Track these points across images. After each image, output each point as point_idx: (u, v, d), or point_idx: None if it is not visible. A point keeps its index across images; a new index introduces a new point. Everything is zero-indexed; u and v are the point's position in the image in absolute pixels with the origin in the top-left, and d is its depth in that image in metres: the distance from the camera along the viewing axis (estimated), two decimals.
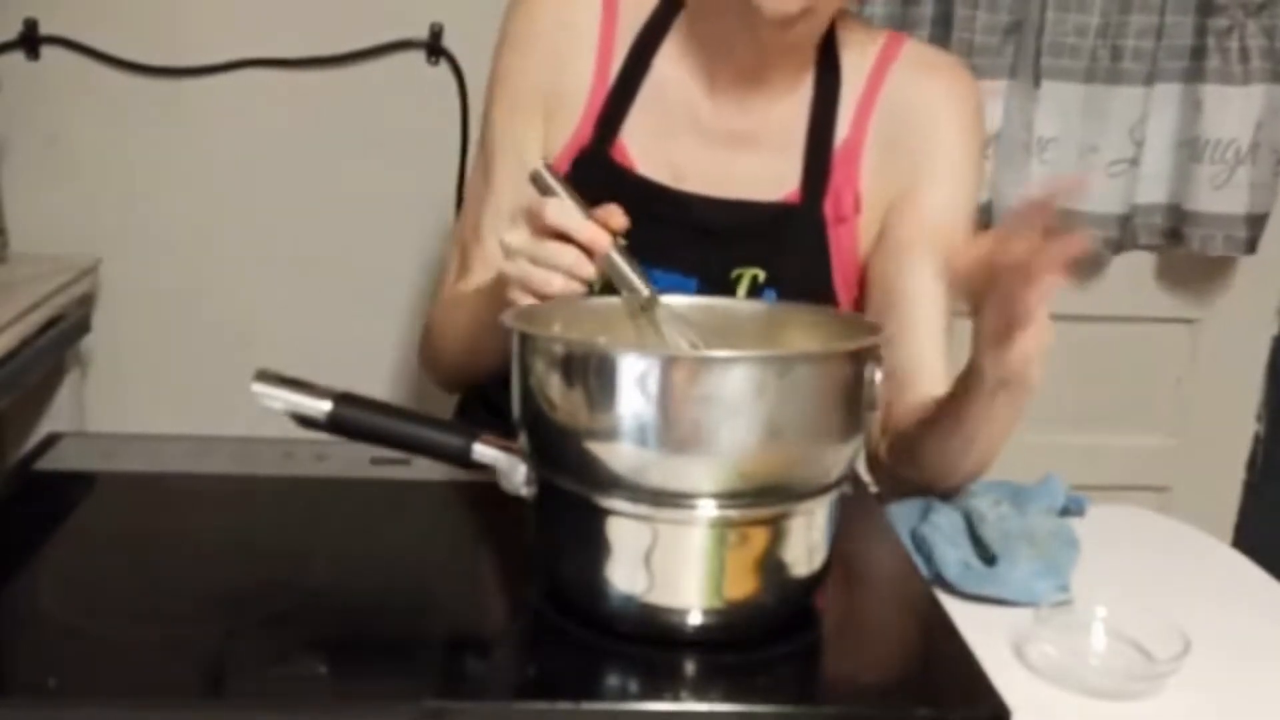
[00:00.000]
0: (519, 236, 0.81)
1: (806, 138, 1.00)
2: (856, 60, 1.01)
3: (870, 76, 1.01)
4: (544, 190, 0.81)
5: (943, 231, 0.98)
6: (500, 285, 0.84)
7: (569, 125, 1.01)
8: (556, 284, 0.79)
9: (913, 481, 0.94)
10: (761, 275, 0.98)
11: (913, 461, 0.94)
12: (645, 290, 0.79)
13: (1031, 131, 1.60)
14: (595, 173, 0.99)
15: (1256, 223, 1.64)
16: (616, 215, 0.80)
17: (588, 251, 0.79)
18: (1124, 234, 1.64)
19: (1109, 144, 1.60)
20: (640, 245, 0.99)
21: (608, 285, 0.81)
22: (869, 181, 1.01)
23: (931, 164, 1.00)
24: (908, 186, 1.00)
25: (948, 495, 0.91)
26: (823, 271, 1.01)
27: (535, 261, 0.79)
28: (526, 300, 0.80)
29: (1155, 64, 1.57)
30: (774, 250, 0.99)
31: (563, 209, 0.79)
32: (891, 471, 0.98)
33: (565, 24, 1.02)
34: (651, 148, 1.00)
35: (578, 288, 0.80)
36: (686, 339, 0.79)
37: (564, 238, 0.79)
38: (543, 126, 1.02)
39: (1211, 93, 1.59)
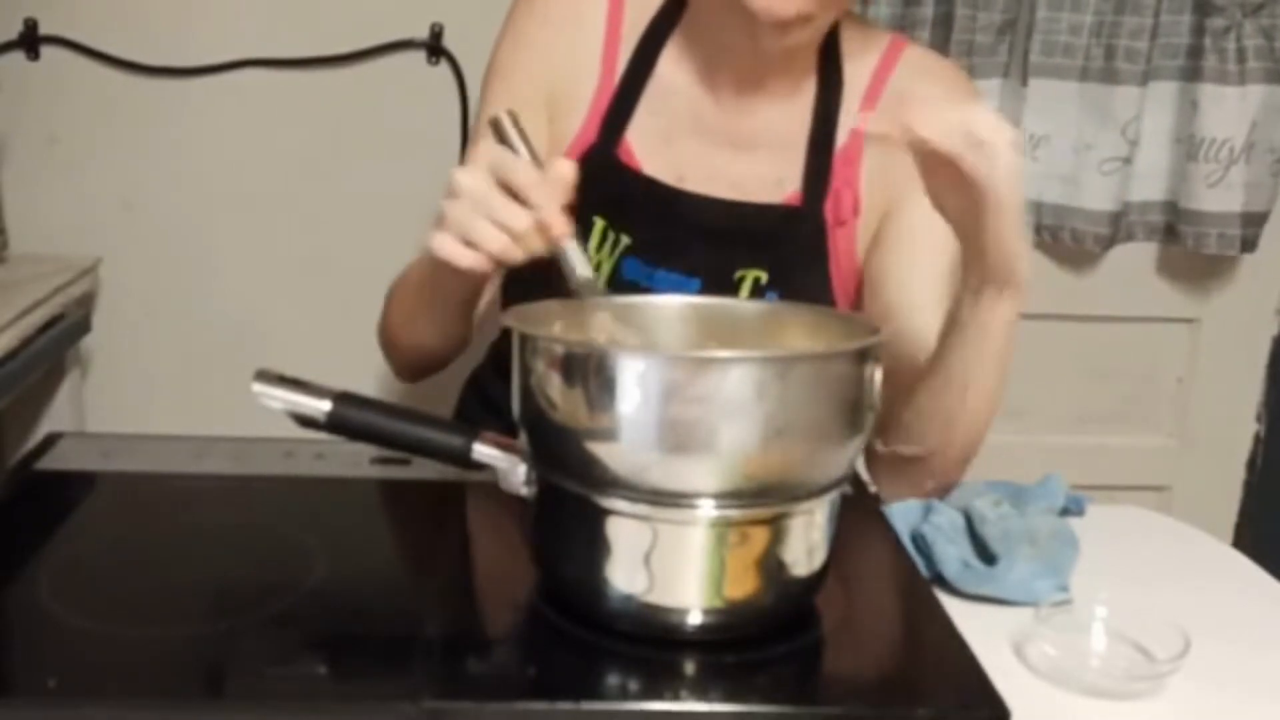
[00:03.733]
0: (474, 179, 0.74)
1: (808, 140, 1.00)
2: (859, 63, 1.02)
3: (871, 81, 1.01)
4: (501, 140, 0.76)
5: (940, 236, 0.98)
6: (433, 226, 0.78)
7: (575, 123, 1.01)
8: (494, 246, 0.74)
9: (911, 468, 0.94)
10: (764, 277, 0.98)
11: (911, 428, 0.93)
12: (590, 274, 0.77)
13: (1020, 129, 1.61)
14: (601, 172, 0.98)
15: (1251, 221, 1.64)
16: (566, 166, 0.75)
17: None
18: (1115, 230, 1.65)
19: (1103, 142, 1.61)
20: (645, 245, 0.99)
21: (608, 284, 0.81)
22: (868, 185, 1.01)
23: None
24: (905, 190, 1.00)
25: (946, 494, 0.91)
26: (822, 274, 1.01)
27: (482, 212, 0.74)
28: (449, 250, 0.75)
29: (1150, 63, 1.58)
30: (776, 252, 0.99)
31: (538, 176, 0.74)
32: (890, 458, 0.98)
33: (573, 22, 1.02)
34: (656, 148, 1.00)
35: (512, 257, 0.75)
36: (615, 335, 0.77)
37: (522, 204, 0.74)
38: (544, 123, 1.02)
39: (1208, 92, 1.59)
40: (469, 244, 0.75)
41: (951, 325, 0.87)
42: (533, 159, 0.76)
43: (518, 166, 0.75)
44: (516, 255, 0.75)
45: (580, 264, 0.77)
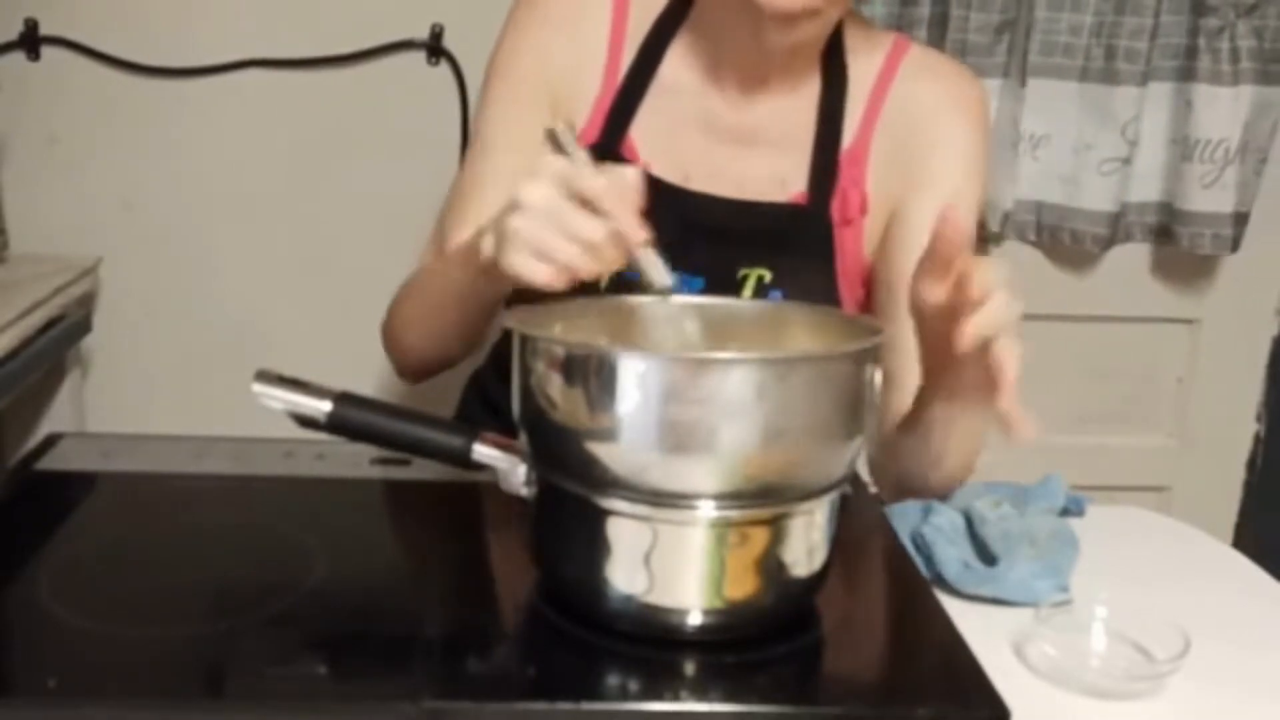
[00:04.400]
0: (541, 193, 0.72)
1: (814, 139, 1.00)
2: (863, 63, 1.01)
3: (877, 80, 1.01)
4: (558, 151, 0.74)
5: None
6: (497, 240, 0.75)
7: (579, 122, 1.01)
8: (568, 255, 0.71)
9: (904, 483, 0.94)
10: (768, 276, 0.98)
11: (894, 463, 0.95)
12: (669, 282, 0.75)
13: (1019, 129, 1.60)
14: None
15: (1241, 222, 1.64)
16: (632, 172, 0.73)
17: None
18: (1115, 231, 1.64)
19: (1102, 142, 1.61)
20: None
21: (610, 285, 0.80)
22: (875, 184, 1.01)
23: (935, 167, 1.00)
24: (912, 189, 1.00)
25: (946, 495, 0.91)
26: (828, 273, 1.01)
27: (554, 225, 0.72)
28: (526, 267, 0.73)
29: (1150, 63, 1.58)
30: (780, 251, 0.99)
31: (608, 185, 0.71)
32: (886, 471, 0.98)
33: (575, 21, 1.02)
34: (660, 146, 1.00)
35: (588, 271, 0.72)
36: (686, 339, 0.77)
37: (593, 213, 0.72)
38: (547, 119, 1.01)
39: (1202, 92, 1.59)
40: (542, 258, 0.73)
41: (923, 410, 0.87)
42: (592, 167, 0.73)
43: (587, 176, 0.72)
44: (592, 268, 0.72)
45: (659, 272, 0.74)
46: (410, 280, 1.04)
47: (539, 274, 0.73)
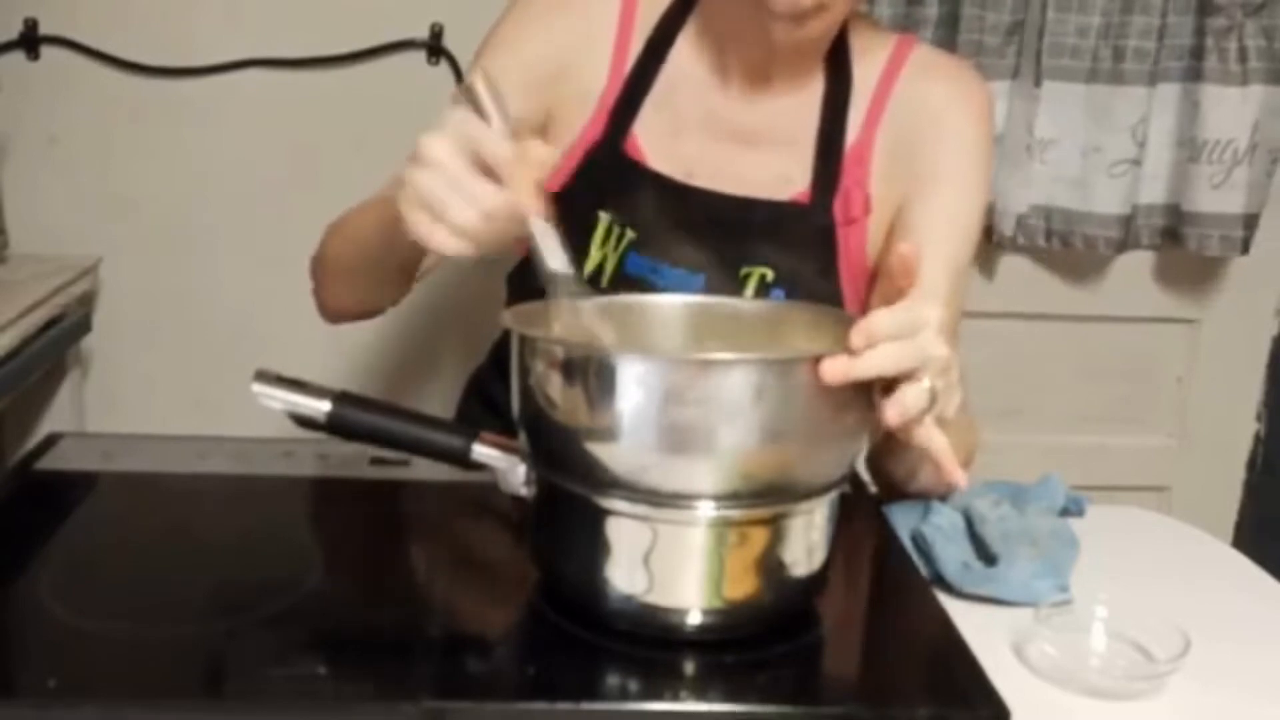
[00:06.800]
0: (445, 150, 0.69)
1: (817, 138, 1.00)
2: (867, 63, 1.01)
3: (881, 79, 1.01)
4: (475, 108, 0.70)
5: (950, 234, 0.98)
6: (396, 192, 0.72)
7: (583, 117, 1.01)
8: (463, 219, 0.68)
9: (899, 485, 0.94)
10: (770, 275, 0.98)
11: (885, 468, 0.95)
12: (563, 268, 0.72)
13: (1033, 133, 1.60)
14: (608, 166, 0.98)
15: (1252, 224, 1.64)
16: (542, 148, 0.70)
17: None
18: (1126, 234, 1.64)
19: (1111, 144, 1.60)
20: (650, 241, 0.98)
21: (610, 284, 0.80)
22: (878, 183, 1.00)
23: (938, 167, 0.99)
24: (916, 189, 1.00)
25: (946, 495, 0.91)
26: (830, 273, 1.01)
27: (452, 185, 0.69)
28: (427, 235, 0.70)
29: (1157, 64, 1.57)
30: (782, 250, 0.99)
31: (511, 153, 0.68)
32: (884, 470, 0.98)
33: (584, 15, 1.01)
34: (664, 143, 1.00)
35: (478, 233, 0.69)
36: (595, 330, 0.74)
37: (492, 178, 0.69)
38: (533, 106, 0.99)
39: (1210, 93, 1.59)
40: (435, 218, 0.69)
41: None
42: (506, 131, 0.70)
43: (489, 140, 0.69)
44: (485, 235, 0.69)
45: (554, 254, 0.71)
46: (338, 221, 1.03)
47: (433, 237, 0.70)
